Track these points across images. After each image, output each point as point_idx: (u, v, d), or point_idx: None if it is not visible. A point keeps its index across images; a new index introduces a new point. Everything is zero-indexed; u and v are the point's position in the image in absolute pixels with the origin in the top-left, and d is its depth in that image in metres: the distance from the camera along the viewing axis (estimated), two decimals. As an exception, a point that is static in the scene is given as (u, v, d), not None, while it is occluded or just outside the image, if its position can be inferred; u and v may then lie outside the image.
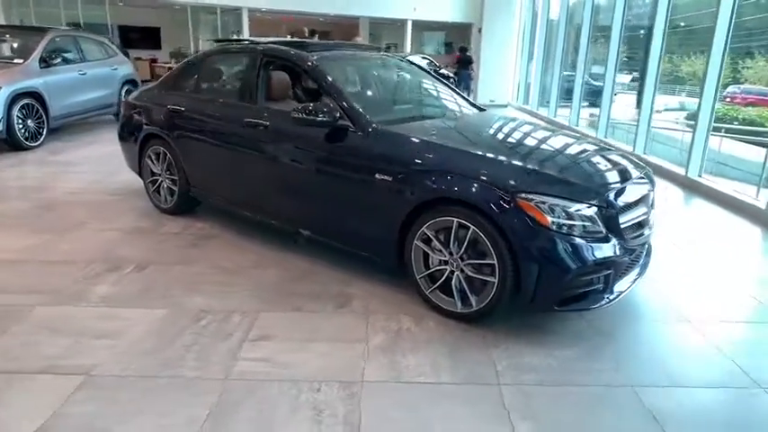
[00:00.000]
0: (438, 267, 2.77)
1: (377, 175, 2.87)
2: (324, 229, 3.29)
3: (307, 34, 12.15)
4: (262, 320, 2.72)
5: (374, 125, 2.99)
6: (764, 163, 4.90)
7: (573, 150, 3.09)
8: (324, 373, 2.30)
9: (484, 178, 2.56)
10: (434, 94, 3.98)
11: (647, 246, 3.00)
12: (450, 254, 2.69)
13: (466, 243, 2.60)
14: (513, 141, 3.23)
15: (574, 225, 2.47)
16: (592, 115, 10.27)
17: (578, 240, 2.45)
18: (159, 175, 4.28)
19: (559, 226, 2.44)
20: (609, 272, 2.56)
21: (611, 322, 2.82)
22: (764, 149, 8.21)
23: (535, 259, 2.44)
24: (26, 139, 6.73)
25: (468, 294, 2.66)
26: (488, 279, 2.58)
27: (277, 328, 2.65)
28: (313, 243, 3.54)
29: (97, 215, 4.30)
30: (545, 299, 2.50)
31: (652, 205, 2.94)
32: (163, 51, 18.62)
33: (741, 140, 8.94)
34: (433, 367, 2.37)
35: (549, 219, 2.43)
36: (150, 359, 2.37)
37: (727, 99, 21.02)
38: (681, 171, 5.92)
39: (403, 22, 18.55)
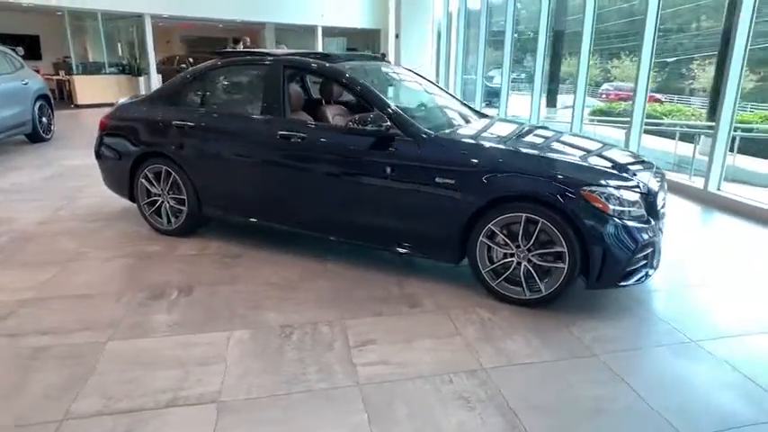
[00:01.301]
0: (504, 260, 3.02)
1: (437, 179, 3.05)
2: (377, 237, 3.37)
3: (232, 43, 11.75)
4: (351, 328, 2.78)
5: (426, 132, 3.17)
6: (693, 152, 5.79)
7: (603, 148, 3.51)
8: (445, 367, 2.45)
9: (551, 176, 2.86)
10: (450, 101, 4.22)
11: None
12: (518, 246, 2.96)
13: (535, 235, 2.89)
14: (553, 143, 3.54)
15: (625, 210, 2.86)
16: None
17: (631, 223, 2.84)
18: (159, 195, 4.06)
19: (616, 212, 2.82)
20: (651, 249, 3.00)
21: (641, 293, 3.26)
22: (667, 140, 9.54)
23: (601, 243, 2.79)
24: (-58, 166, 5.88)
25: (538, 282, 2.95)
26: (557, 266, 2.89)
27: (372, 333, 2.73)
28: (346, 251, 3.63)
29: (90, 243, 3.97)
30: (610, 277, 2.86)
31: (665, 191, 3.45)
32: (45, 62, 16.81)
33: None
34: (533, 349, 2.62)
35: (610, 206, 2.80)
36: (270, 378, 2.35)
37: (603, 96, 23.68)
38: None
39: (306, 29, 18.57)
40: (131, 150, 4.06)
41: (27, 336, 2.67)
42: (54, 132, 8.80)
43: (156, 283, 3.29)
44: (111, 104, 4.62)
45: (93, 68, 15.45)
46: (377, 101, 3.29)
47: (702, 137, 7.96)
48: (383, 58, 4.43)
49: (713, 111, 7.99)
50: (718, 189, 5.27)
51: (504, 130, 3.81)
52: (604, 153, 3.43)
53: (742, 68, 4.96)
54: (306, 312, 2.95)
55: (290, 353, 2.55)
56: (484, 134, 3.54)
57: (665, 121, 9.96)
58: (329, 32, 18.10)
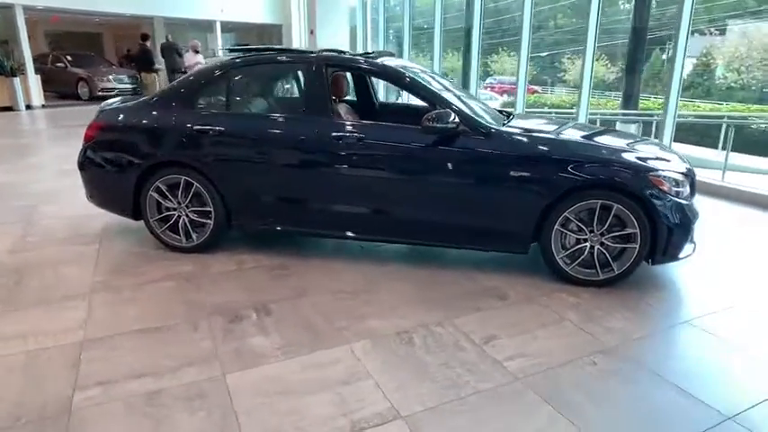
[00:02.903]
0: (577, 246, 3.21)
1: (512, 173, 3.15)
2: (447, 236, 3.38)
3: (141, 40, 10.51)
4: (463, 326, 2.78)
5: (494, 126, 3.24)
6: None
7: (644, 140, 3.83)
8: (578, 350, 2.57)
9: (625, 164, 3.11)
10: (471, 98, 4.30)
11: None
12: (591, 231, 3.16)
13: (609, 219, 3.11)
14: (602, 134, 3.76)
15: (680, 191, 3.18)
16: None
17: (685, 201, 3.18)
18: (175, 209, 3.65)
19: (674, 192, 3.13)
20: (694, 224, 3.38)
21: (659, 267, 3.60)
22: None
23: (667, 222, 3.08)
24: None
25: (611, 262, 3.18)
26: (628, 246, 3.13)
27: (488, 329, 2.76)
28: (393, 252, 3.59)
29: (101, 270, 3.45)
30: (673, 252, 3.17)
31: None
32: None
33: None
34: (633, 324, 2.84)
35: (672, 188, 3.11)
36: (430, 386, 2.28)
37: (488, 89, 25.28)
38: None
39: (201, 23, 17.44)
40: (138, 161, 3.59)
41: (122, 382, 2.28)
42: (-62, 145, 7.37)
43: (221, 306, 2.98)
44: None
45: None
46: (441, 98, 3.29)
47: (618, 123, 8.98)
48: (392, 55, 4.38)
49: (626, 101, 9.06)
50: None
51: (555, 124, 4.02)
52: (641, 142, 3.76)
53: (682, 67, 5.70)
54: (407, 316, 2.88)
55: (427, 358, 2.50)
56: (544, 128, 3.68)
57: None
58: (228, 28, 17.15)
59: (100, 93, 14.79)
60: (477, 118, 3.26)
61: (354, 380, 2.32)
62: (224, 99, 3.64)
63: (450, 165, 3.22)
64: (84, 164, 3.80)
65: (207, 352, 2.52)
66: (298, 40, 16.86)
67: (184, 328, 2.75)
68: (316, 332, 2.71)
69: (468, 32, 12.99)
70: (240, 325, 2.78)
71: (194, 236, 3.68)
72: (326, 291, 3.19)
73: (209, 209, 3.59)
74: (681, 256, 3.25)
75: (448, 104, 3.24)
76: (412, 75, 3.42)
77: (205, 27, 17.02)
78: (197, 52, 10.80)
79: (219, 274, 3.41)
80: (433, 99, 3.30)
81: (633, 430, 2.05)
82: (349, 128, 3.34)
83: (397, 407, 2.14)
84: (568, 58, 24.61)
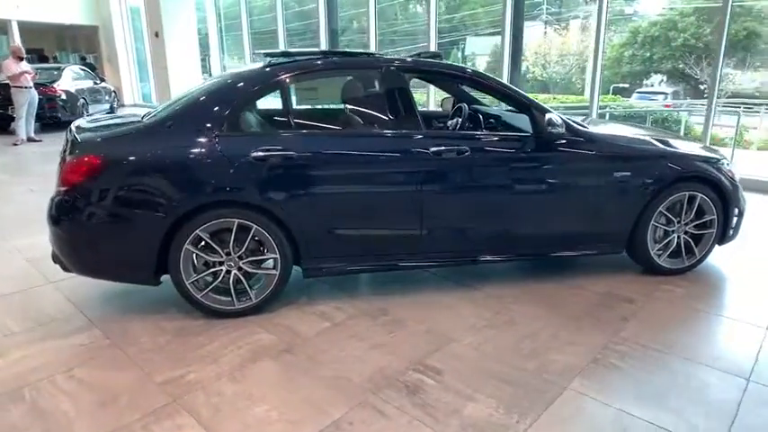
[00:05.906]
0: (667, 239, 3.32)
1: (615, 174, 3.13)
2: (558, 245, 3.22)
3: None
4: (637, 339, 2.65)
5: (588, 132, 3.15)
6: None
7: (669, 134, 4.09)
8: (752, 340, 2.65)
9: (704, 157, 3.33)
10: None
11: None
12: (679, 222, 3.30)
13: (695, 209, 3.28)
14: (658, 132, 3.93)
15: (734, 176, 3.49)
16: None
17: (739, 185, 3.50)
18: (222, 263, 2.78)
19: (731, 177, 3.43)
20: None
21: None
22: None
23: (736, 205, 3.37)
24: None
25: (694, 248, 3.36)
26: (706, 232, 3.35)
27: (657, 336, 2.67)
28: (469, 272, 3.34)
29: (150, 367, 2.43)
30: (736, 231, 3.48)
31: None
32: None
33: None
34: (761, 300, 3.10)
35: (732, 174, 3.41)
36: (714, 412, 2.11)
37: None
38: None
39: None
40: (168, 206, 2.63)
41: None
42: None
43: (372, 378, 2.34)
44: None
45: None
46: (536, 104, 3.08)
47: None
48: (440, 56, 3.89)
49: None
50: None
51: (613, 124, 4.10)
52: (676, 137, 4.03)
53: (602, 67, 6.39)
54: (576, 342, 2.63)
55: (655, 379, 2.31)
56: (617, 128, 3.69)
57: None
58: (30, 29, 13.89)
59: None
60: (576, 123, 3.15)
61: (631, 427, 2.02)
62: (284, 115, 2.86)
63: (563, 171, 3.07)
64: (66, 219, 2.65)
65: (436, 442, 1.95)
66: (123, 44, 14.60)
67: (359, 415, 2.08)
68: (514, 383, 2.30)
69: (335, 33, 12.80)
70: (425, 395, 2.22)
71: (252, 294, 2.85)
72: (464, 331, 2.74)
73: (273, 256, 2.82)
74: (738, 234, 3.57)
75: (545, 110, 3.06)
76: (498, 79, 3.14)
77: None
78: (21, 59, 8.49)
79: (317, 337, 2.69)
80: (531, 104, 3.08)
81: None
82: (449, 141, 2.93)
83: (708, 445, 1.93)
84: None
